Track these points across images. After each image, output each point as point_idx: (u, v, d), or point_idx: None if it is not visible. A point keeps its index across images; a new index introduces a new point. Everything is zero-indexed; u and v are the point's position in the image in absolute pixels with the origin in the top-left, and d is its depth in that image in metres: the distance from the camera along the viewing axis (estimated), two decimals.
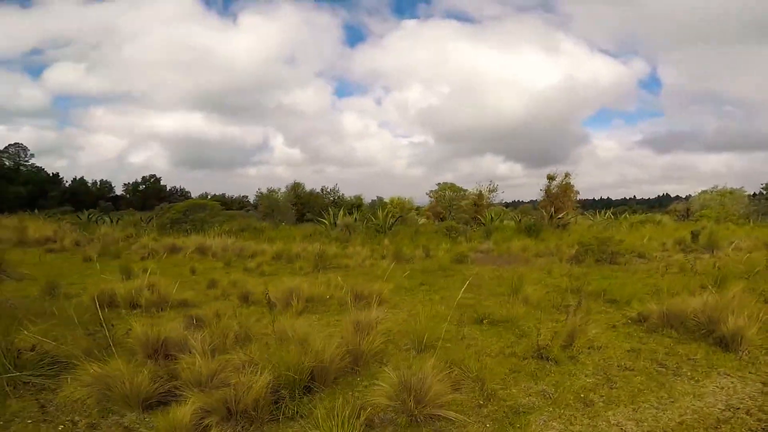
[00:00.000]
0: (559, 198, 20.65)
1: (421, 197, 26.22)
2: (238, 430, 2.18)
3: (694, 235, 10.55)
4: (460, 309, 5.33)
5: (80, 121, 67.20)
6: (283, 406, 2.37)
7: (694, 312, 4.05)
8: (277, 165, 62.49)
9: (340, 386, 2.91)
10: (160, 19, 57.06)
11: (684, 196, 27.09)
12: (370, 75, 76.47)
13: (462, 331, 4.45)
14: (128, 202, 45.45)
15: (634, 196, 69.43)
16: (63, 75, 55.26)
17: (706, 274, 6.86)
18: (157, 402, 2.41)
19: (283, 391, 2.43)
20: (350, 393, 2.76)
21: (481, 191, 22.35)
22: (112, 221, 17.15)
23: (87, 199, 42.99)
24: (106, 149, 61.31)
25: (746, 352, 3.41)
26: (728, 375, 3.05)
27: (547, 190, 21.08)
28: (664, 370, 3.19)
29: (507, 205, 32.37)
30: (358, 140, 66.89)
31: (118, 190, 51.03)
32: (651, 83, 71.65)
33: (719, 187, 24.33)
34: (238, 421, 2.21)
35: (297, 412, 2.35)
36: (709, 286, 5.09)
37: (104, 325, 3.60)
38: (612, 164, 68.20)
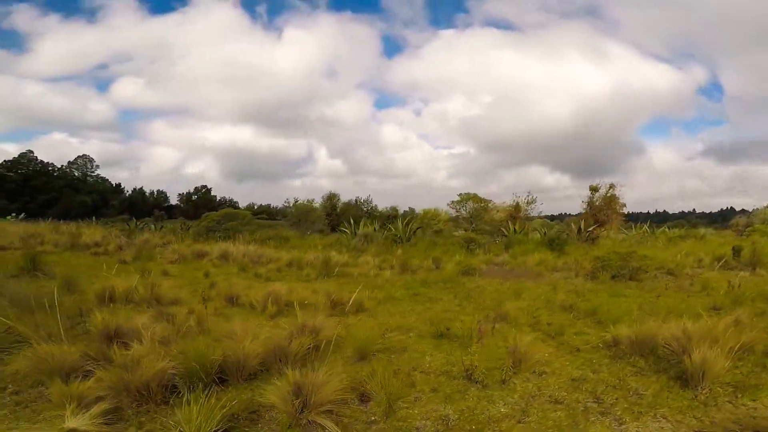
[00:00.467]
0: (602, 211, 19.26)
1: None
2: (127, 404, 2.45)
3: (736, 252, 9.39)
4: (433, 322, 5.27)
5: (143, 134, 74.16)
6: (179, 393, 2.60)
7: (666, 339, 3.65)
8: (320, 177, 64.64)
9: (255, 382, 3.08)
10: (209, 34, 61.24)
11: (751, 210, 23.88)
12: (409, 86, 76.81)
13: (413, 343, 4.41)
14: (182, 211, 49.28)
15: (694, 210, 62.55)
16: (126, 89, 60.51)
17: (726, 293, 6.14)
18: (82, 377, 2.74)
19: (178, 379, 2.66)
20: (255, 389, 2.91)
21: (518, 203, 21.51)
22: (155, 228, 19.08)
23: (144, 208, 46.85)
24: (164, 161, 66.57)
25: (707, 390, 2.95)
26: (665, 418, 2.64)
27: (590, 202, 19.77)
28: (595, 406, 2.85)
29: (552, 218, 30.71)
30: (398, 152, 67.33)
31: (173, 200, 55.66)
32: (711, 89, 64.88)
33: None
34: (130, 398, 2.49)
35: (192, 400, 2.55)
36: (704, 310, 4.56)
37: (81, 316, 4.12)
38: (670, 176, 61.70)
